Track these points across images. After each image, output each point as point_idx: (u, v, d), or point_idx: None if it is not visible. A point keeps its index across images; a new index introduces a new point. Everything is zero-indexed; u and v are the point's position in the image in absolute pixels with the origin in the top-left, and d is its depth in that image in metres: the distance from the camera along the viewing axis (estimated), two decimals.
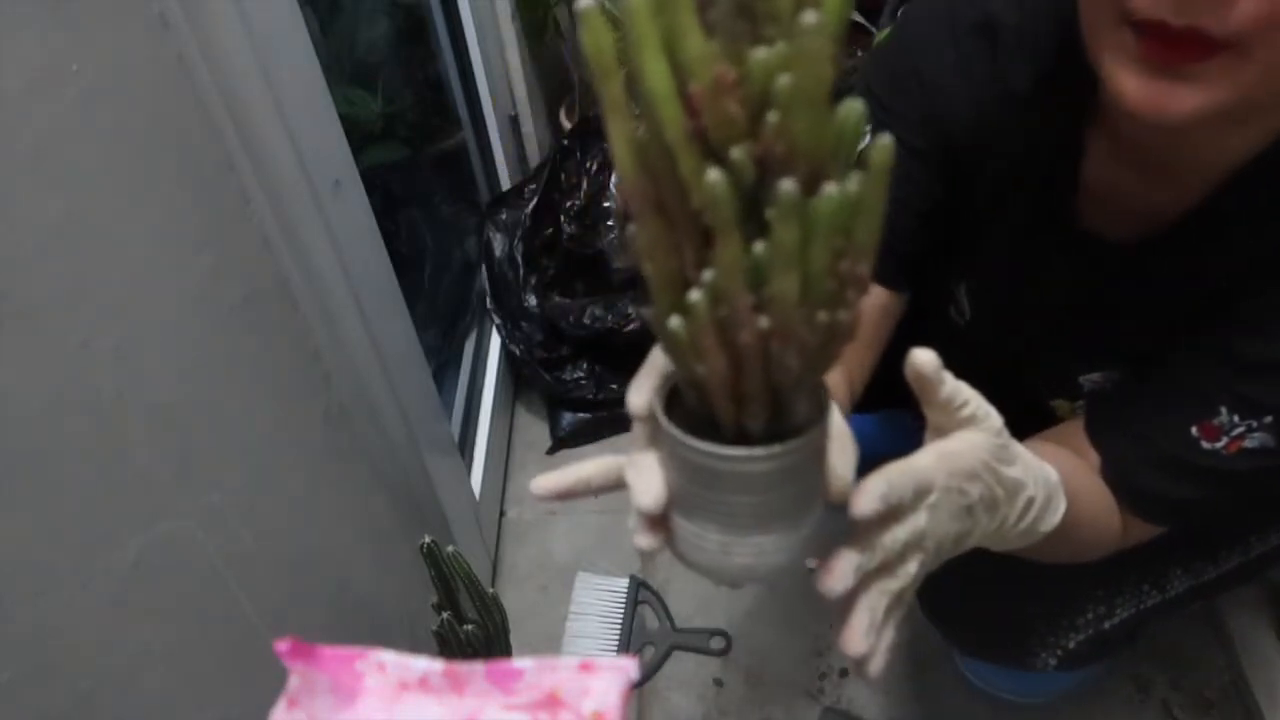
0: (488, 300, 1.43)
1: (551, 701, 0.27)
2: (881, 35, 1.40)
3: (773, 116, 0.26)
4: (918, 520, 0.41)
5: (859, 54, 1.58)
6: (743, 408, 0.33)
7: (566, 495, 0.43)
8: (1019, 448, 0.47)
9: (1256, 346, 0.59)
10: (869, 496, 0.38)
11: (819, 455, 0.36)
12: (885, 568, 0.41)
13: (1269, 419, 0.59)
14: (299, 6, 0.70)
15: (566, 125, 1.63)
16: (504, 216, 1.45)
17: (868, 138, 0.28)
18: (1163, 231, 0.62)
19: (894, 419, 1.24)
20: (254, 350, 0.63)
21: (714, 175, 0.26)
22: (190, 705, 0.58)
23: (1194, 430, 0.62)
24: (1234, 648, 1.10)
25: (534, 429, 1.46)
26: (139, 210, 0.51)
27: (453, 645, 0.83)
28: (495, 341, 1.45)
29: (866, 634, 0.40)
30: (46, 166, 0.44)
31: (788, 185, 0.26)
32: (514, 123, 1.57)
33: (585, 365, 1.43)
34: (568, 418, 1.42)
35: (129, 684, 0.52)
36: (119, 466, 0.50)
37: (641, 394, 0.37)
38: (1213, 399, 0.61)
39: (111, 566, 0.50)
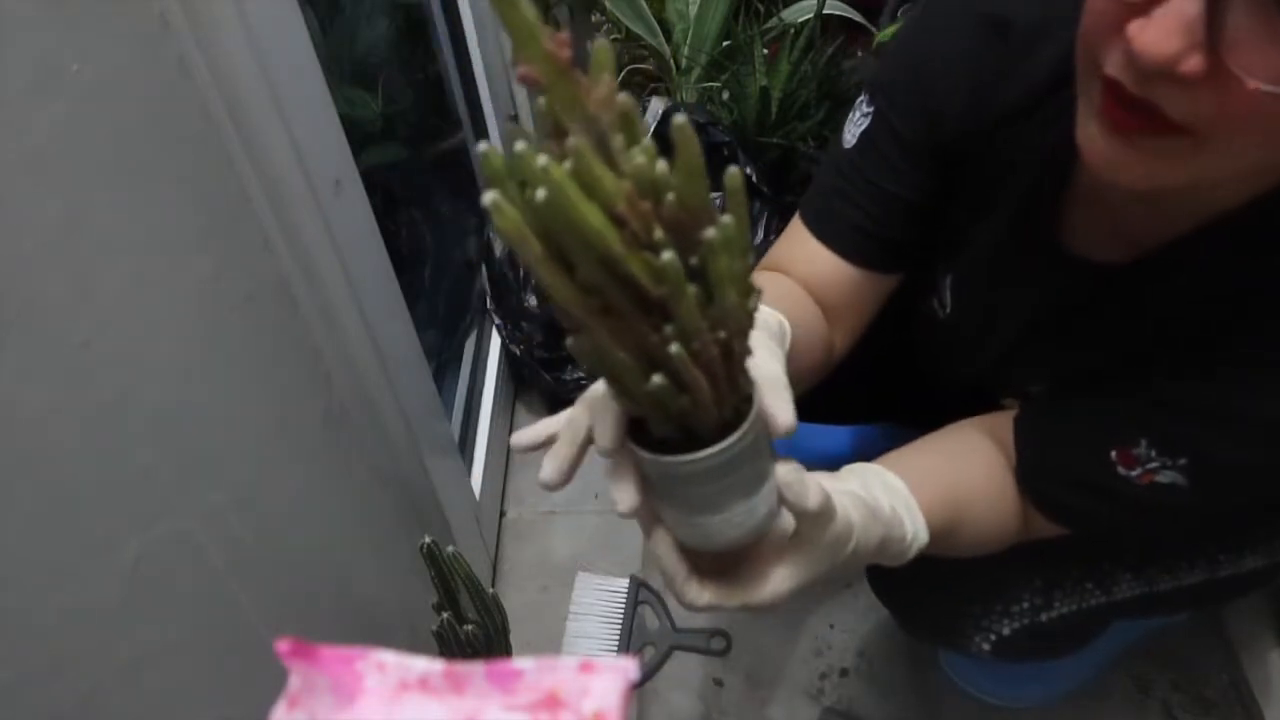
0: (488, 300, 1.43)
1: (552, 702, 0.27)
2: (883, 34, 1.40)
3: (670, 197, 0.34)
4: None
5: (859, 54, 1.58)
6: (723, 404, 0.40)
7: (542, 445, 0.50)
8: (861, 530, 0.53)
9: (1191, 392, 0.60)
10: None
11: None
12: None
13: (1184, 461, 0.60)
14: (299, 6, 0.70)
15: None
16: None
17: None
18: (1147, 255, 0.61)
19: (877, 436, 1.24)
20: (254, 350, 0.63)
21: (668, 255, 0.34)
22: (190, 705, 0.58)
23: (1113, 454, 0.62)
24: (1234, 648, 1.10)
25: None
26: (139, 210, 0.51)
27: (453, 645, 0.83)
28: (495, 341, 1.45)
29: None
30: (46, 166, 0.44)
31: (710, 232, 0.34)
32: (514, 123, 1.57)
33: None
34: None
35: (129, 684, 0.52)
36: (119, 466, 0.50)
37: (626, 487, 0.44)
38: (1137, 429, 0.61)
39: (111, 566, 0.50)
